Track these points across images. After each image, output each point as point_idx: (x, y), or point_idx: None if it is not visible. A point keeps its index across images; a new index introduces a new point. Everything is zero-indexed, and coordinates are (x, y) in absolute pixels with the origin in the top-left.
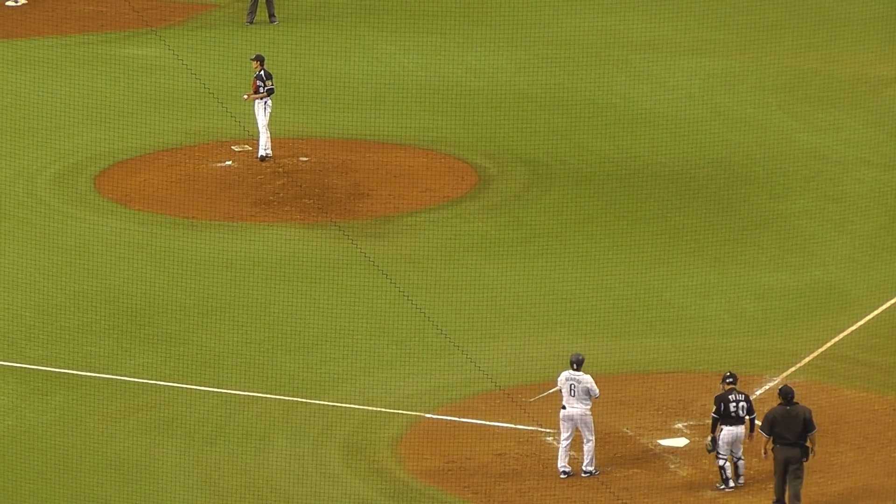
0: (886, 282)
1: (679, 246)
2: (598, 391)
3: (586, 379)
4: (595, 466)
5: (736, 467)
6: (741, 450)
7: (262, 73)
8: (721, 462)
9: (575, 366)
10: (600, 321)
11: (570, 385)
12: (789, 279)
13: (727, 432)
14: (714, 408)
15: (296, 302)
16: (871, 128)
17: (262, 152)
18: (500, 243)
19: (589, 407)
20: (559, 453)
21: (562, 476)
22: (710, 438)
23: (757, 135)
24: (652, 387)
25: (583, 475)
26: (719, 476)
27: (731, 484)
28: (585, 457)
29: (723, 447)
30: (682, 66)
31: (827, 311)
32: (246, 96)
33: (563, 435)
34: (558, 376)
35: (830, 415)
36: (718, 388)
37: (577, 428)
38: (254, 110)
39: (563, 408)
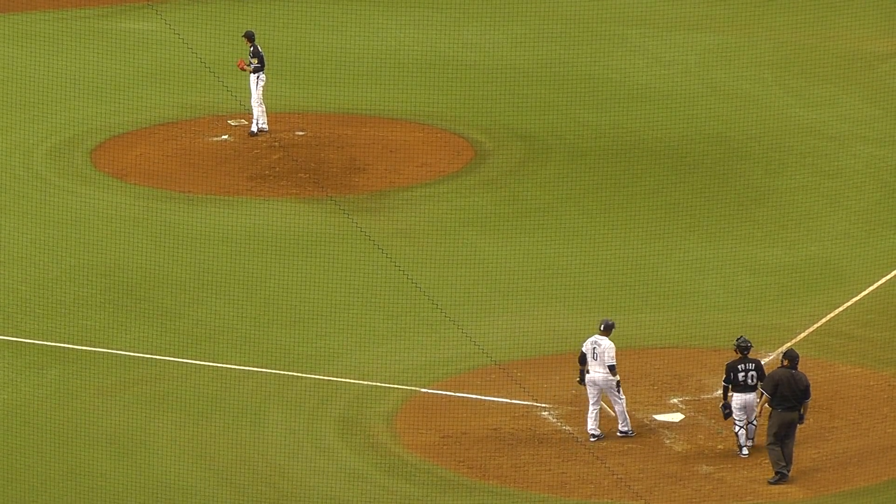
0: (882, 257)
1: (674, 221)
2: (612, 361)
3: (606, 344)
4: (630, 427)
5: (746, 430)
6: (753, 414)
7: (251, 49)
8: (737, 429)
9: (602, 328)
10: (596, 296)
11: (593, 348)
12: (785, 255)
13: (738, 399)
14: (724, 376)
15: (292, 276)
16: (867, 103)
17: (253, 127)
18: (496, 218)
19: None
20: (588, 417)
21: (591, 440)
22: (721, 406)
23: (753, 110)
24: (647, 362)
25: (618, 434)
26: (735, 443)
27: (745, 452)
28: (619, 418)
29: (737, 414)
30: (679, 42)
31: (822, 286)
32: (239, 63)
33: (591, 400)
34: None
35: (826, 390)
36: (722, 368)
37: (604, 392)
38: (249, 85)
39: (588, 372)
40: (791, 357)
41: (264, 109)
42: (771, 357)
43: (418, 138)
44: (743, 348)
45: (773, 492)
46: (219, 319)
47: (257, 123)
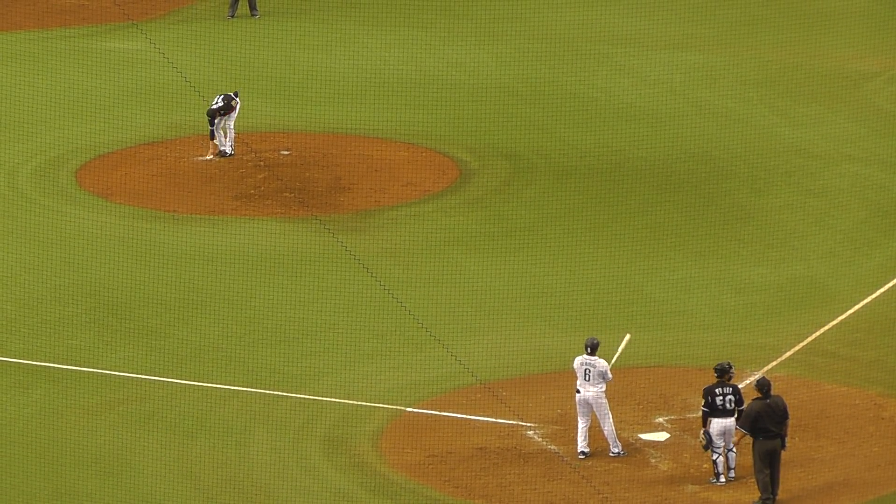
0: (867, 276)
1: (660, 240)
2: (611, 376)
3: (601, 363)
4: (621, 447)
5: (727, 459)
6: (731, 441)
7: (220, 102)
8: (714, 456)
9: (589, 350)
10: (581, 315)
11: (585, 369)
12: (770, 274)
13: (717, 424)
14: (703, 401)
15: (277, 296)
16: (853, 122)
17: (228, 149)
18: (481, 237)
19: (603, 389)
20: (578, 435)
21: (580, 457)
22: (702, 433)
23: (738, 129)
24: (633, 381)
25: (611, 455)
26: (712, 470)
27: (723, 479)
28: (609, 440)
29: (715, 440)
30: (664, 60)
31: (808, 305)
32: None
33: (581, 418)
34: (573, 361)
35: (811, 409)
36: (710, 380)
37: (593, 412)
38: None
39: (578, 392)
40: (763, 386)
41: (234, 134)
42: (757, 375)
43: (403, 157)
44: (720, 372)
45: None
46: (204, 339)
47: (232, 145)
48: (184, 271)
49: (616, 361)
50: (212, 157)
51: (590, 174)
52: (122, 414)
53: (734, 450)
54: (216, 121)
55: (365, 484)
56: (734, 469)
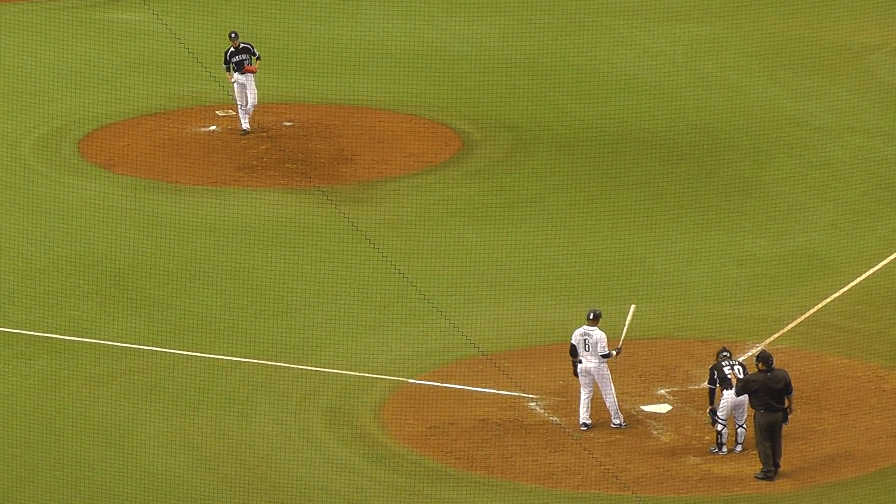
0: (869, 248)
1: (662, 212)
2: (606, 350)
3: (598, 335)
4: (623, 419)
5: (736, 434)
6: (744, 417)
7: (231, 48)
8: (719, 427)
9: (591, 316)
10: (583, 287)
11: (584, 339)
12: (772, 245)
13: (728, 395)
14: (707, 378)
15: (279, 267)
16: (855, 95)
17: (244, 124)
18: (484, 209)
19: (604, 361)
20: (580, 406)
21: (582, 429)
22: (709, 410)
23: (740, 101)
24: (634, 353)
25: (612, 426)
26: (715, 440)
27: (725, 450)
28: (610, 411)
29: (722, 411)
30: (666, 33)
31: (810, 277)
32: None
33: (583, 389)
34: (573, 333)
35: (813, 381)
36: (710, 359)
37: (596, 383)
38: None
39: (580, 362)
40: (764, 359)
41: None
42: (759, 347)
43: (406, 129)
44: (723, 355)
45: (761, 483)
46: (206, 310)
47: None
48: (186, 242)
49: (626, 334)
50: (215, 127)
51: (592, 146)
52: (124, 384)
53: (745, 426)
54: (233, 71)
55: (367, 455)
56: (742, 444)
